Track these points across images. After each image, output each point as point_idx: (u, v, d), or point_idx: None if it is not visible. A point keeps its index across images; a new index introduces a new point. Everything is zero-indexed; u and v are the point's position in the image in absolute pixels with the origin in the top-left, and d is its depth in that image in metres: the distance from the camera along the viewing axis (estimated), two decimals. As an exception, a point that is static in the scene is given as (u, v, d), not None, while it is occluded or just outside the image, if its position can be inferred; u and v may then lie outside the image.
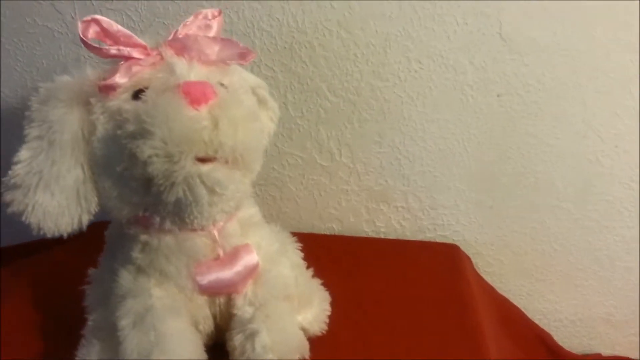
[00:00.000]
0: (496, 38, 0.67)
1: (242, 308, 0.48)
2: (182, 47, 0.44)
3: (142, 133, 0.39)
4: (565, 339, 0.84)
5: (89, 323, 0.49)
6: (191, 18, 0.47)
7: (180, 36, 0.45)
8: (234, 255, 0.47)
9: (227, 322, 0.50)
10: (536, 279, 0.81)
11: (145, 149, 0.38)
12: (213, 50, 0.44)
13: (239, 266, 0.47)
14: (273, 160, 0.76)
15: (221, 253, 0.47)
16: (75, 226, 0.44)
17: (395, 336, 0.59)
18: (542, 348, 0.77)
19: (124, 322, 0.44)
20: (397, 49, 0.69)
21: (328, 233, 0.81)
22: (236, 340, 0.47)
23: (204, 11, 0.47)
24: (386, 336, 0.59)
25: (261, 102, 0.54)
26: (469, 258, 0.77)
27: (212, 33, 0.47)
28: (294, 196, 0.79)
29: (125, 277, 0.46)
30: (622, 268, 0.78)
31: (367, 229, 0.80)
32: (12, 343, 0.55)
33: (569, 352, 0.80)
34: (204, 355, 0.46)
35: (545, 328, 0.82)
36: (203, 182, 0.40)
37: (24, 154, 0.43)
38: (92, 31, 0.43)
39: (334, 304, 0.59)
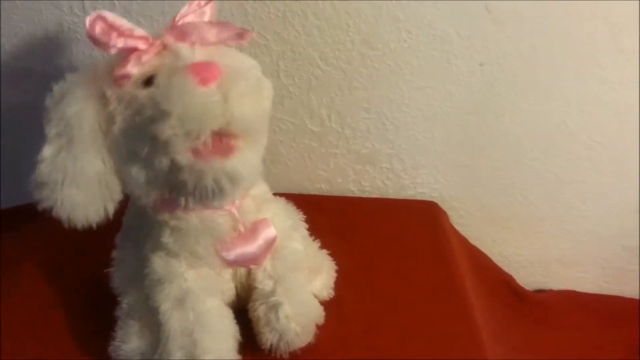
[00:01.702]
0: (482, 9, 0.70)
1: (263, 282, 0.53)
2: (182, 33, 0.45)
3: (160, 115, 0.41)
4: (523, 277, 0.94)
5: (123, 305, 0.52)
6: (185, 7, 0.48)
7: (178, 24, 0.46)
8: (254, 230, 0.51)
9: (246, 292, 0.55)
10: (501, 227, 0.90)
11: (165, 130, 0.41)
12: (212, 34, 0.45)
13: (260, 240, 0.51)
14: (265, 125, 0.78)
15: (242, 229, 0.51)
16: (103, 215, 0.46)
17: (387, 290, 0.65)
18: (508, 290, 0.87)
19: (165, 307, 0.48)
20: (388, 18, 0.71)
21: (317, 193, 0.85)
22: (260, 311, 0.52)
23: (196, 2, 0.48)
24: (380, 291, 0.65)
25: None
26: (445, 213, 0.84)
27: (206, 19, 0.48)
28: (285, 159, 0.82)
29: (158, 263, 0.49)
30: (577, 216, 0.88)
31: (353, 188, 0.85)
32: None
33: (529, 292, 0.91)
34: (236, 327, 0.51)
35: (506, 268, 0.92)
36: (229, 178, 0.43)
37: (46, 152, 0.44)
38: (99, 27, 0.44)
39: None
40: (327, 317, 0.57)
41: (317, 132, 0.79)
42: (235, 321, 0.51)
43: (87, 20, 0.43)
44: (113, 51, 0.44)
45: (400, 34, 0.72)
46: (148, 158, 0.43)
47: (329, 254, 0.65)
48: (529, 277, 0.95)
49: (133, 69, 0.43)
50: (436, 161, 0.83)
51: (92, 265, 0.58)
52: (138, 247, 0.52)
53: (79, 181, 0.44)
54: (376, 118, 0.78)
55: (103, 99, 0.45)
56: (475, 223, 0.90)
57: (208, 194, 0.44)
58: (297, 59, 0.73)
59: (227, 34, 0.46)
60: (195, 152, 0.42)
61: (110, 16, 0.44)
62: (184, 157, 0.42)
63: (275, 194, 0.60)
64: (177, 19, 0.47)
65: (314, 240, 0.62)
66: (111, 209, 0.47)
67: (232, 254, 0.50)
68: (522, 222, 0.89)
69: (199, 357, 0.46)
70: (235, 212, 0.50)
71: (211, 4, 0.49)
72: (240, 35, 0.46)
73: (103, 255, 0.57)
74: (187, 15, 0.47)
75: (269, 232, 0.52)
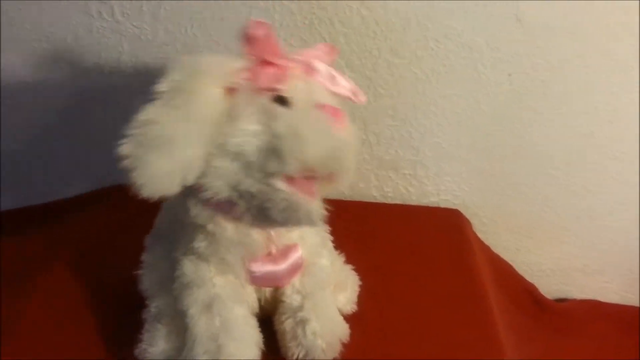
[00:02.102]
0: (512, 20, 0.69)
1: (291, 296, 0.53)
2: (311, 70, 0.47)
3: (294, 138, 0.41)
4: (545, 285, 0.93)
5: (151, 309, 0.53)
6: (313, 48, 0.49)
7: (307, 59, 0.48)
8: (284, 253, 0.52)
9: (270, 304, 0.55)
10: (525, 236, 0.89)
11: (293, 152, 0.41)
12: (333, 82, 0.48)
13: (288, 263, 0.52)
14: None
15: (273, 250, 0.51)
16: (166, 194, 0.43)
17: (407, 298, 0.65)
18: (530, 299, 0.86)
19: (192, 311, 0.49)
20: (416, 27, 0.70)
21: (338, 198, 0.85)
22: (287, 325, 0.53)
23: (322, 45, 0.50)
24: (399, 299, 0.65)
25: None
26: (469, 222, 0.83)
27: (327, 64, 0.49)
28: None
29: (188, 267, 0.50)
30: (602, 227, 0.87)
31: (375, 194, 0.85)
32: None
33: (551, 301, 0.90)
34: (260, 336, 0.51)
35: (529, 276, 0.92)
36: (310, 219, 0.44)
37: (159, 116, 0.42)
38: (260, 33, 0.44)
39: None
40: (350, 326, 0.57)
41: (341, 138, 0.79)
42: (259, 330, 0.51)
43: (251, 24, 0.44)
44: (259, 59, 0.45)
45: (428, 43, 0.71)
46: (252, 163, 0.43)
47: (350, 259, 0.65)
48: (551, 286, 0.94)
49: (279, 85, 0.44)
50: (460, 169, 0.82)
51: (120, 266, 0.58)
52: (168, 251, 0.53)
53: (171, 157, 0.42)
54: (401, 125, 0.78)
55: (231, 92, 0.44)
56: (499, 231, 0.89)
57: (282, 221, 0.44)
58: (323, 66, 0.73)
59: (345, 88, 0.48)
60: (290, 180, 0.43)
61: (271, 26, 0.45)
62: (282, 181, 0.42)
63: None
64: (304, 53, 0.48)
65: (339, 254, 0.62)
66: (175, 192, 0.44)
67: (259, 271, 0.50)
68: (546, 231, 0.89)
69: None
70: (272, 232, 0.50)
71: (335, 52, 0.50)
72: (355, 94, 0.49)
73: (132, 257, 0.57)
74: (313, 54, 0.49)
75: (297, 257, 0.52)
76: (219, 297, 0.49)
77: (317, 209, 0.44)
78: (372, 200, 0.85)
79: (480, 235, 0.87)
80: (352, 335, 0.57)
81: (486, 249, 0.85)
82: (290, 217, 0.43)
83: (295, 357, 0.52)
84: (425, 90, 0.75)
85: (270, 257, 0.51)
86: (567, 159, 0.81)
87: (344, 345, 0.55)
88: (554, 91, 0.74)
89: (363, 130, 0.79)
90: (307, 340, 0.51)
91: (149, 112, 0.42)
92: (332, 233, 0.63)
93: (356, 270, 0.65)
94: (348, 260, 0.65)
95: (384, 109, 0.77)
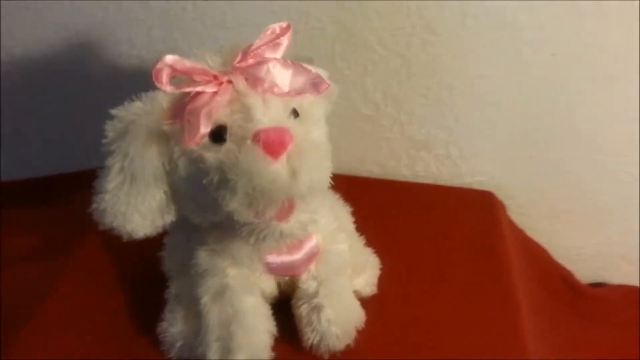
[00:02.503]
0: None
1: (307, 282, 0.54)
2: (254, 79, 0.43)
3: (226, 187, 0.41)
4: (582, 270, 0.90)
5: (172, 290, 0.55)
6: (260, 38, 0.45)
7: (250, 61, 0.44)
8: (299, 242, 0.51)
9: (290, 287, 0.56)
10: (564, 220, 0.86)
11: (229, 202, 0.41)
12: (285, 82, 0.43)
13: (303, 252, 0.52)
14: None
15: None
16: (158, 231, 0.48)
17: (430, 284, 0.64)
18: (564, 285, 0.84)
19: (205, 299, 0.50)
20: (453, 4, 0.66)
21: (368, 176, 0.84)
22: (302, 310, 0.53)
23: (272, 26, 0.45)
24: (421, 284, 0.63)
25: None
26: (502, 204, 0.81)
27: (281, 50, 0.45)
28: (335, 140, 0.80)
29: (203, 257, 0.51)
30: (646, 214, 0.82)
31: (405, 173, 0.83)
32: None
33: (587, 287, 0.87)
34: (273, 325, 0.52)
35: (566, 261, 0.88)
36: (285, 237, 0.44)
37: (110, 184, 0.45)
38: (165, 75, 0.42)
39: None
40: (368, 310, 0.57)
41: (370, 116, 0.77)
42: (272, 318, 0.52)
43: (153, 72, 0.42)
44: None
45: (465, 20, 0.67)
46: (207, 207, 0.44)
47: (374, 240, 0.64)
48: (590, 271, 0.91)
49: (205, 130, 0.42)
50: (496, 150, 0.79)
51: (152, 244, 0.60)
52: (187, 236, 0.54)
53: (141, 209, 0.45)
54: (435, 104, 0.75)
55: (167, 142, 0.45)
56: (536, 214, 0.85)
57: (261, 244, 0.45)
58: (353, 42, 0.70)
59: (301, 83, 0.44)
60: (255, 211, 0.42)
61: (177, 61, 0.42)
62: (243, 216, 0.42)
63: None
64: (248, 50, 0.44)
65: (360, 235, 0.62)
66: (164, 226, 0.48)
67: (274, 263, 0.51)
68: (587, 216, 0.85)
69: (233, 351, 0.48)
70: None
71: (287, 34, 0.46)
72: (315, 86, 0.44)
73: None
74: (261, 47, 0.45)
75: (312, 246, 0.53)
76: (231, 287, 0.50)
77: (292, 228, 0.43)
78: (403, 179, 0.84)
79: (516, 218, 0.84)
80: (368, 320, 0.56)
81: (519, 233, 0.82)
82: (264, 241, 0.43)
83: (310, 342, 0.53)
84: (462, 70, 0.71)
85: (285, 248, 0.51)
86: (614, 144, 0.76)
87: (360, 331, 0.56)
88: (601, 74, 0.69)
89: (395, 110, 0.76)
90: (321, 326, 0.52)
91: (104, 183, 0.45)
92: (357, 212, 0.62)
93: (379, 252, 0.64)
94: (371, 241, 0.64)
95: (417, 89, 0.74)
